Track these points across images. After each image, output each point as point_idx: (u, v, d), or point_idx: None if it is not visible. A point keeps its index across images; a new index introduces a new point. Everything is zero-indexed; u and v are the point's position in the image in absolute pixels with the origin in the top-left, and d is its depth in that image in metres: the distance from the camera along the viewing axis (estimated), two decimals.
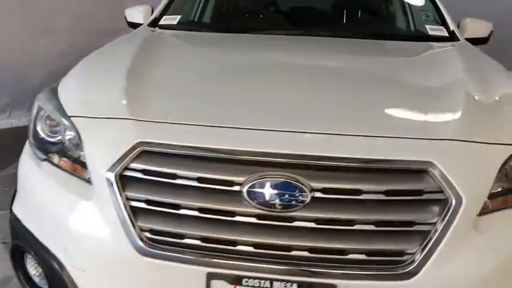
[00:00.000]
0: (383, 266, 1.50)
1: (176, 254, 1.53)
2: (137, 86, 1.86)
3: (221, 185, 1.52)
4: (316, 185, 1.49)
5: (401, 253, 1.51)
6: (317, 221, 1.50)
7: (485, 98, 1.86)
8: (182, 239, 1.54)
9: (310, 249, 1.51)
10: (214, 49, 2.57)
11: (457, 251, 1.50)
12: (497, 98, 1.88)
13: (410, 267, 1.49)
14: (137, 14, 3.15)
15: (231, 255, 1.52)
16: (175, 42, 2.65)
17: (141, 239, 1.54)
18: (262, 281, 1.50)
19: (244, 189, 1.50)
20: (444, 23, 2.89)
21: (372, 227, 1.51)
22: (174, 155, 1.57)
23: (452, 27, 2.85)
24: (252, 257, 1.51)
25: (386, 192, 1.50)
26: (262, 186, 1.49)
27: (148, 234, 1.56)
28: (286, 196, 1.49)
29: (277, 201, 1.49)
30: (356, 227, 1.50)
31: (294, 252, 1.51)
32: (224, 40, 2.69)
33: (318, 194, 1.50)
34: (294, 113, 1.69)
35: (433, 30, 2.82)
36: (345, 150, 1.52)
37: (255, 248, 1.52)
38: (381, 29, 2.98)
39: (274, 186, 1.49)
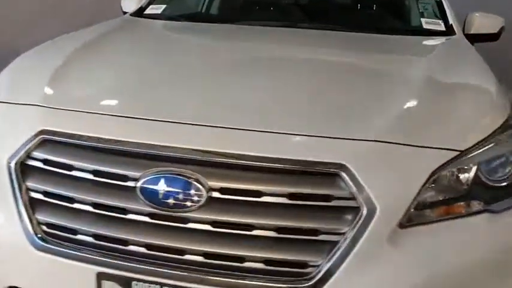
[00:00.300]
0: (282, 278, 1.35)
1: (68, 251, 1.44)
2: (67, 75, 1.78)
3: (116, 180, 1.42)
4: (213, 184, 1.36)
5: (304, 264, 1.35)
6: (213, 223, 1.37)
7: (437, 97, 1.65)
8: (75, 234, 1.45)
9: (205, 254, 1.38)
10: (177, 39, 2.46)
11: (367, 266, 1.33)
12: (451, 99, 1.66)
13: (312, 282, 1.33)
14: (132, 3, 3.08)
15: (122, 256, 1.41)
16: (138, 32, 2.54)
17: (37, 233, 1.46)
18: (153, 285, 1.39)
19: (138, 185, 1.38)
20: (444, 17, 2.65)
21: (272, 234, 1.36)
22: (74, 145, 1.48)
23: (451, 21, 2.61)
24: (144, 258, 1.40)
25: (290, 196, 1.35)
26: (156, 182, 1.37)
27: (45, 228, 1.47)
28: (181, 195, 1.36)
29: (170, 199, 1.37)
30: (255, 232, 1.36)
31: (187, 257, 1.38)
32: (196, 30, 2.58)
33: (216, 194, 1.36)
34: (201, 105, 1.56)
35: (428, 24, 2.59)
36: (246, 146, 1.38)
37: (148, 249, 1.40)
38: (373, 22, 2.76)
39: (169, 184, 1.37)
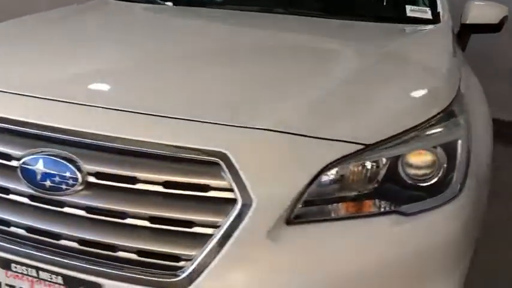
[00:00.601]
0: (154, 271, 1.27)
1: None
2: None
3: (0, 158, 1.38)
4: (90, 167, 1.30)
5: (177, 258, 1.27)
6: (88, 209, 1.31)
7: (362, 87, 1.52)
8: None
9: (80, 241, 1.32)
10: (121, 21, 2.35)
11: (241, 263, 1.24)
12: (378, 88, 1.52)
13: (182, 276, 1.25)
14: None
15: (3, 237, 1.37)
16: (90, 14, 2.45)
17: None
18: (29, 269, 1.35)
19: (19, 165, 1.34)
20: (434, 5, 2.46)
21: (146, 223, 1.28)
22: None
23: (440, 9, 2.42)
24: (24, 241, 1.36)
25: (166, 184, 1.26)
26: (35, 163, 1.32)
27: None
28: (57, 177, 1.31)
29: (47, 181, 1.31)
30: (128, 221, 1.29)
31: (63, 242, 1.33)
32: (152, 12, 2.50)
33: (92, 179, 1.30)
34: (87, 85, 1.49)
35: (413, 11, 2.41)
36: (124, 129, 1.30)
37: (27, 231, 1.36)
38: (353, 8, 2.58)
39: (46, 165, 1.32)
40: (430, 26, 2.29)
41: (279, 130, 1.28)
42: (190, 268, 1.24)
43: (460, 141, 1.43)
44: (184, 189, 1.26)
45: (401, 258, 1.31)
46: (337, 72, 1.60)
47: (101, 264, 1.30)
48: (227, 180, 1.24)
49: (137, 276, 1.27)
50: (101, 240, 1.30)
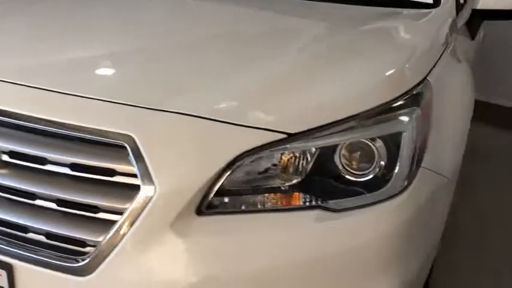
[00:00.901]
0: (61, 255, 1.24)
1: None
2: None
3: None
4: (4, 146, 1.28)
5: (83, 243, 1.23)
6: (2, 188, 1.29)
7: (306, 73, 1.40)
8: None
9: None
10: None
11: (142, 253, 1.18)
12: (325, 75, 1.40)
13: (84, 262, 1.21)
14: None
15: None
16: None
17: None
18: None
19: None
20: None
21: (53, 206, 1.25)
22: None
23: None
24: None
25: (73, 166, 1.22)
26: None
27: None
28: None
29: None
30: (37, 202, 1.26)
31: None
32: None
33: (5, 157, 1.28)
34: (12, 61, 1.46)
35: None
36: (33, 106, 1.26)
37: None
38: None
39: None
40: (427, 11, 2.12)
41: (189, 114, 1.20)
42: (92, 255, 1.19)
43: (405, 134, 1.31)
44: (90, 173, 1.21)
45: (324, 256, 1.22)
46: (286, 56, 1.49)
47: (13, 244, 1.27)
48: (133, 165, 1.18)
49: (44, 259, 1.24)
50: (12, 220, 1.27)
